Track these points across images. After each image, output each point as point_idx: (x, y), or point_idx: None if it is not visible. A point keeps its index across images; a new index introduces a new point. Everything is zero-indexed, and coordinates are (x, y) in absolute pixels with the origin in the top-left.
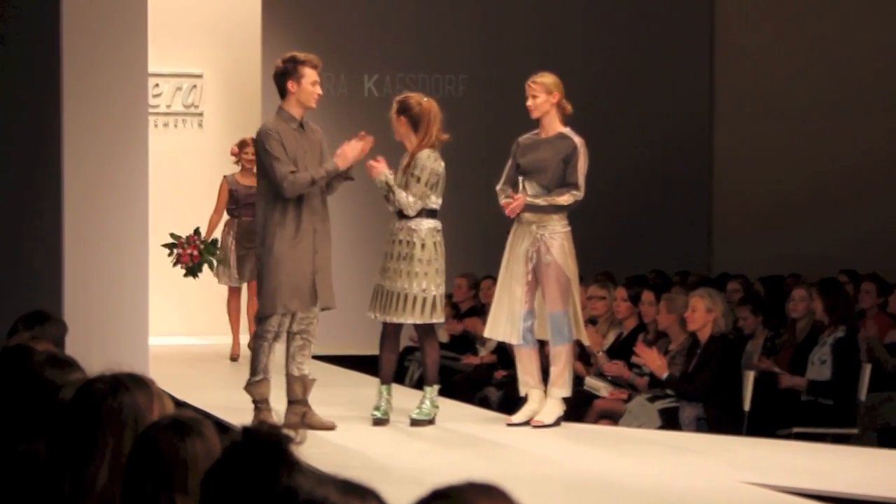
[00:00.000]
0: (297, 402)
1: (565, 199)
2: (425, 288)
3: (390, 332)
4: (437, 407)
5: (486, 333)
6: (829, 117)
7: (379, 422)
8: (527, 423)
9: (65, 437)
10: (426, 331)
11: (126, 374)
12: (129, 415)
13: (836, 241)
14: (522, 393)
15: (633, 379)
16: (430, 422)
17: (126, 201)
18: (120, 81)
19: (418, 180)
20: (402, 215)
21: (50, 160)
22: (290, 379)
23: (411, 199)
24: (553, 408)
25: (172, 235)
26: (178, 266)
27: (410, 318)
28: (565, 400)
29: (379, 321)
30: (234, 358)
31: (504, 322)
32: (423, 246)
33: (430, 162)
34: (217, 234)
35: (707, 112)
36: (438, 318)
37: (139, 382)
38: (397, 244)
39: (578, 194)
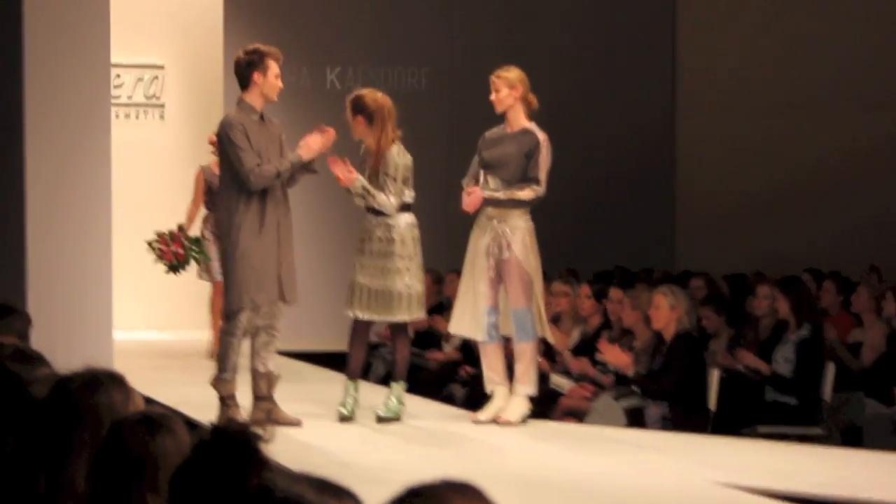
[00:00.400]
0: (262, 398)
1: (525, 193)
2: (409, 284)
3: (361, 328)
4: (403, 404)
5: (451, 329)
6: (792, 115)
7: (345, 418)
8: (493, 420)
9: (40, 435)
10: (400, 327)
11: (102, 371)
12: (105, 413)
13: (800, 240)
14: (488, 390)
15: (598, 377)
16: (397, 419)
17: (89, 193)
18: (82, 72)
19: (394, 179)
20: (376, 211)
21: (12, 152)
22: (255, 375)
23: (393, 199)
24: (518, 405)
25: (158, 233)
26: (161, 262)
27: (399, 316)
28: (531, 398)
29: (361, 319)
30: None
31: (468, 318)
32: (402, 242)
33: (400, 158)
34: (196, 227)
35: (670, 109)
36: (422, 313)
37: (114, 379)
38: (376, 241)
39: (539, 189)
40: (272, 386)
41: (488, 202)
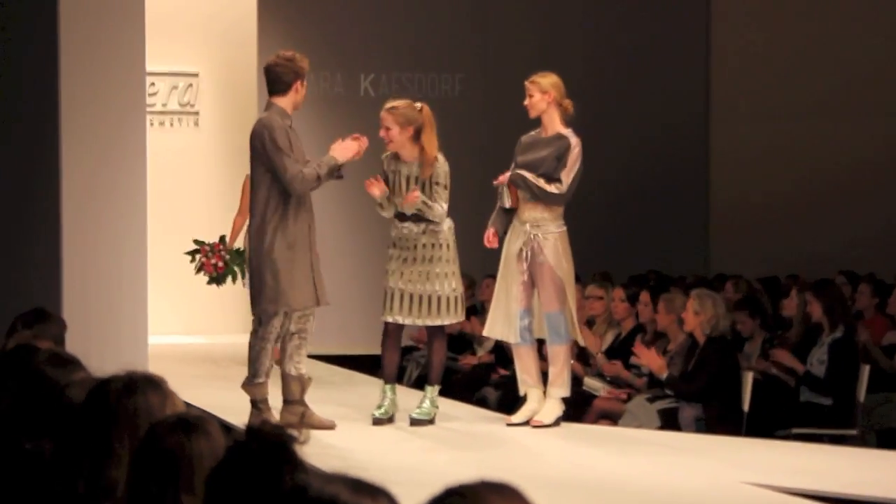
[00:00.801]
0: (294, 401)
1: (550, 188)
2: (455, 287)
3: (394, 331)
4: (437, 407)
5: (485, 332)
6: (825, 118)
7: (379, 421)
8: (526, 423)
9: (78, 439)
10: (438, 331)
11: (140, 375)
12: (143, 416)
13: (834, 242)
14: (521, 392)
15: (631, 379)
16: (430, 421)
17: (124, 199)
18: (117, 80)
19: (445, 187)
20: (417, 219)
21: (48, 159)
22: (287, 379)
23: (445, 205)
24: (552, 408)
25: (196, 242)
26: (202, 273)
27: (446, 320)
28: (564, 400)
29: (403, 323)
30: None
31: (501, 321)
32: (448, 246)
33: (446, 167)
34: (239, 239)
35: (703, 112)
36: (463, 315)
37: (152, 383)
38: (420, 248)
39: (562, 188)
40: (305, 389)
41: (515, 181)
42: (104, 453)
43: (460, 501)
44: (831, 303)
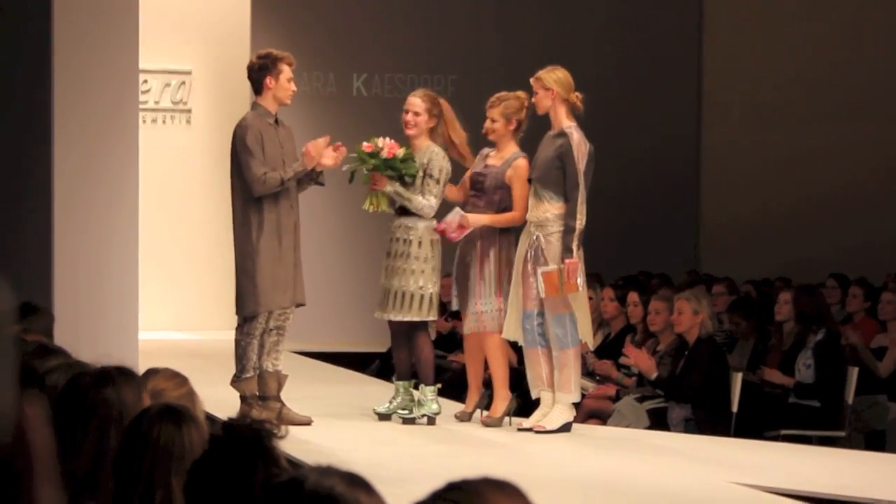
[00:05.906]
0: (271, 398)
1: (572, 223)
2: (422, 285)
3: (396, 329)
4: (422, 404)
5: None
6: (817, 127)
7: (381, 416)
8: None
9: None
10: (413, 327)
11: (114, 368)
12: (115, 407)
13: (824, 249)
14: (534, 396)
15: (621, 379)
16: (412, 420)
17: (116, 196)
18: (110, 77)
19: (437, 181)
20: (401, 212)
21: (40, 155)
22: (264, 375)
23: (433, 200)
24: (560, 413)
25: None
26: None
27: (408, 316)
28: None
29: (385, 320)
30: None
31: (514, 323)
32: (420, 244)
33: (446, 161)
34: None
35: (695, 120)
36: (434, 315)
37: (126, 375)
38: (395, 242)
39: (576, 195)
40: (281, 385)
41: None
42: (75, 440)
43: (461, 496)
44: (805, 306)
